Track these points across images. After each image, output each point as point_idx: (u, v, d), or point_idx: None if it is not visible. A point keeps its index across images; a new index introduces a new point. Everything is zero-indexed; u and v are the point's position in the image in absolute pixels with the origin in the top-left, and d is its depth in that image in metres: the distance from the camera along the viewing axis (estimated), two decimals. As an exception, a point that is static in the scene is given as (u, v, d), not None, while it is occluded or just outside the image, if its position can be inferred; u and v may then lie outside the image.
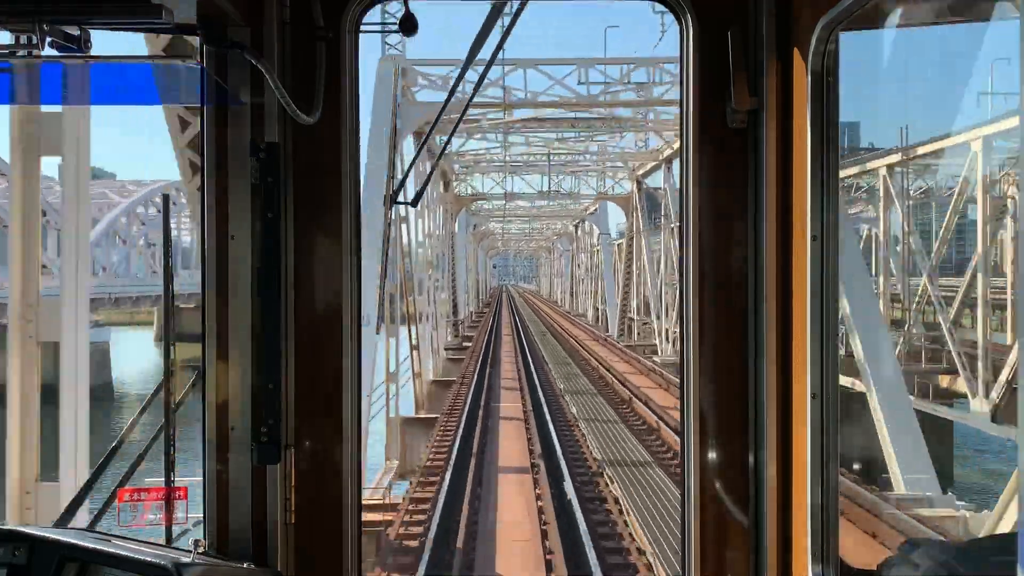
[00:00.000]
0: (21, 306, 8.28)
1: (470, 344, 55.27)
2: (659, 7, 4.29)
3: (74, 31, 2.99)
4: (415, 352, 35.21)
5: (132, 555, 3.04)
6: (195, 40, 3.43)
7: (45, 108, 8.67)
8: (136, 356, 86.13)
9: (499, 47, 3.73)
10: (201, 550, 3.39)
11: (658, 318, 48.69)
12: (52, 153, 8.90)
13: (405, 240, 32.28)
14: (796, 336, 3.41)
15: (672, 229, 43.20)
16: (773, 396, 3.51)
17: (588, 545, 16.00)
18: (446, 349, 51.07)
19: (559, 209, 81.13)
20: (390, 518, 18.60)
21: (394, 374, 29.33)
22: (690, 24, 3.64)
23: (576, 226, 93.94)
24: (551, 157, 52.03)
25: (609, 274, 67.20)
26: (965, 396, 23.14)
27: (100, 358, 68.28)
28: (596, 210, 71.72)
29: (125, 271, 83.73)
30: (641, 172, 52.57)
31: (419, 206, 35.94)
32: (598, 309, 79.09)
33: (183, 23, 2.88)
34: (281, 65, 3.55)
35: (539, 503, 19.12)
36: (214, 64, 3.48)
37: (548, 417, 29.47)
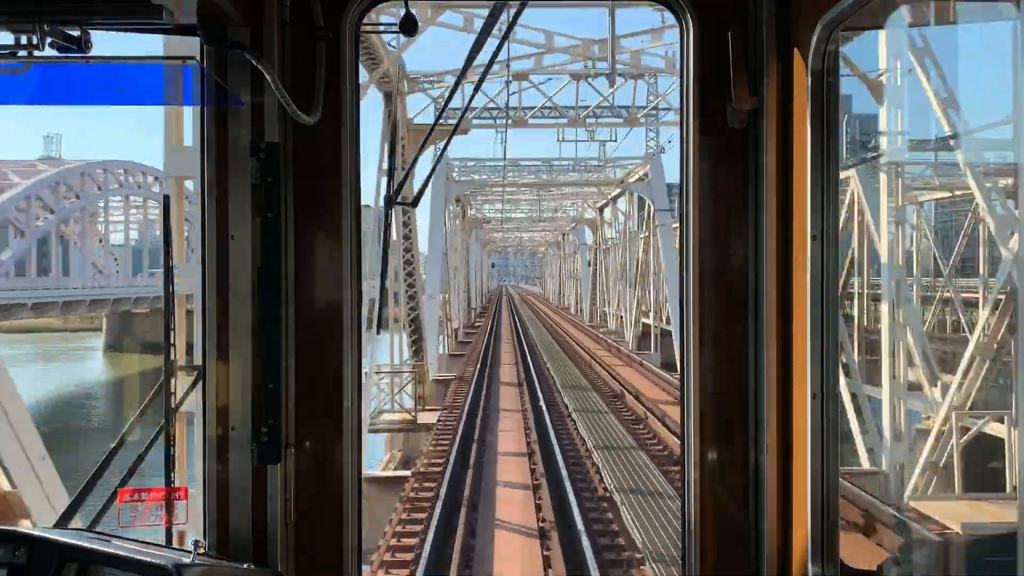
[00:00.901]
0: None
1: (440, 416, 28.05)
2: (659, 7, 4.30)
3: (74, 31, 2.98)
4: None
5: (132, 555, 3.04)
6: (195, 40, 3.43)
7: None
8: (65, 374, 68.43)
9: (499, 47, 3.73)
10: (201, 550, 3.39)
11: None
12: None
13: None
14: (796, 336, 3.42)
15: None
16: (773, 396, 3.51)
17: None
18: (392, 429, 29.06)
19: (582, 179, 57.65)
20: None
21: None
22: (690, 24, 3.65)
23: (602, 208, 71.66)
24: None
25: (673, 271, 42.18)
26: None
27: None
28: (646, 175, 47.86)
29: (25, 270, 67.30)
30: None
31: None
32: (647, 327, 55.69)
33: (183, 23, 2.88)
34: (281, 65, 3.55)
35: None
36: (214, 64, 3.49)
37: None
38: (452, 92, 4.05)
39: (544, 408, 28.69)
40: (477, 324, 76.65)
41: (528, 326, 70.60)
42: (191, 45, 3.49)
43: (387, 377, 30.01)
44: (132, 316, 79.04)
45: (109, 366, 75.49)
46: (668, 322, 45.52)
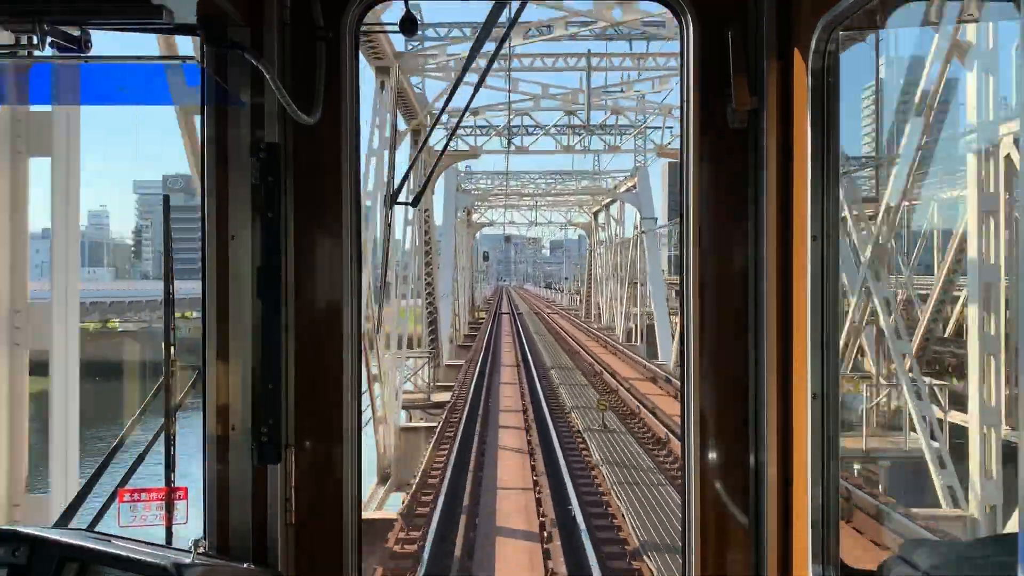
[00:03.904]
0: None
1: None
2: (659, 7, 4.29)
3: (74, 31, 2.98)
4: None
5: (132, 555, 3.04)
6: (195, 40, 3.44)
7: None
8: None
9: (500, 46, 3.73)
10: (201, 550, 3.39)
11: None
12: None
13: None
14: (796, 336, 3.42)
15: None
16: (773, 396, 3.51)
17: None
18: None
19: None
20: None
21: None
22: (690, 24, 3.65)
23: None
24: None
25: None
26: None
27: None
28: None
29: None
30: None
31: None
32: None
33: (183, 23, 2.88)
34: (281, 65, 3.55)
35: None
36: (214, 64, 3.49)
37: None
38: (452, 92, 4.05)
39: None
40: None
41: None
42: (191, 45, 3.50)
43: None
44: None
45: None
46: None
